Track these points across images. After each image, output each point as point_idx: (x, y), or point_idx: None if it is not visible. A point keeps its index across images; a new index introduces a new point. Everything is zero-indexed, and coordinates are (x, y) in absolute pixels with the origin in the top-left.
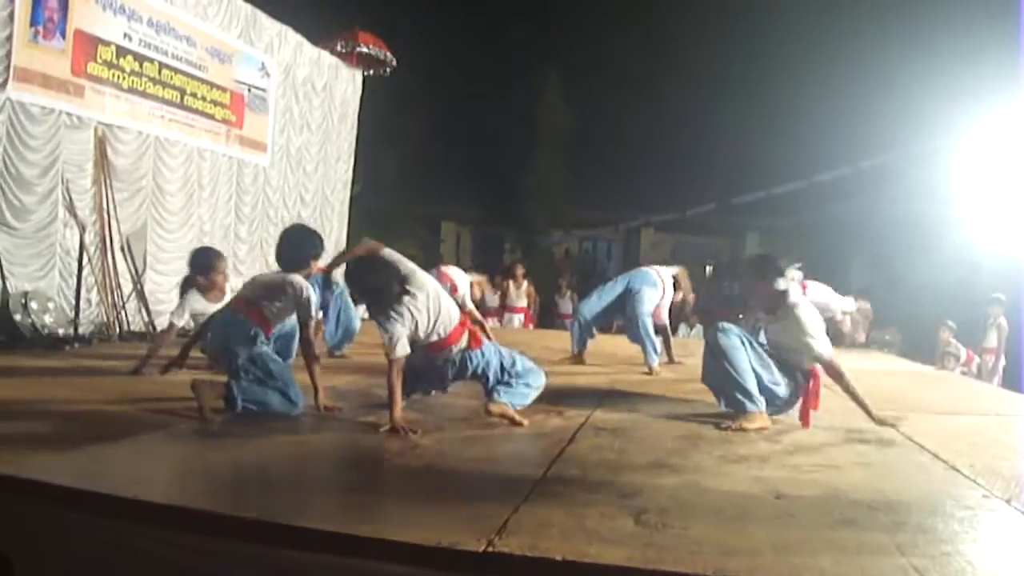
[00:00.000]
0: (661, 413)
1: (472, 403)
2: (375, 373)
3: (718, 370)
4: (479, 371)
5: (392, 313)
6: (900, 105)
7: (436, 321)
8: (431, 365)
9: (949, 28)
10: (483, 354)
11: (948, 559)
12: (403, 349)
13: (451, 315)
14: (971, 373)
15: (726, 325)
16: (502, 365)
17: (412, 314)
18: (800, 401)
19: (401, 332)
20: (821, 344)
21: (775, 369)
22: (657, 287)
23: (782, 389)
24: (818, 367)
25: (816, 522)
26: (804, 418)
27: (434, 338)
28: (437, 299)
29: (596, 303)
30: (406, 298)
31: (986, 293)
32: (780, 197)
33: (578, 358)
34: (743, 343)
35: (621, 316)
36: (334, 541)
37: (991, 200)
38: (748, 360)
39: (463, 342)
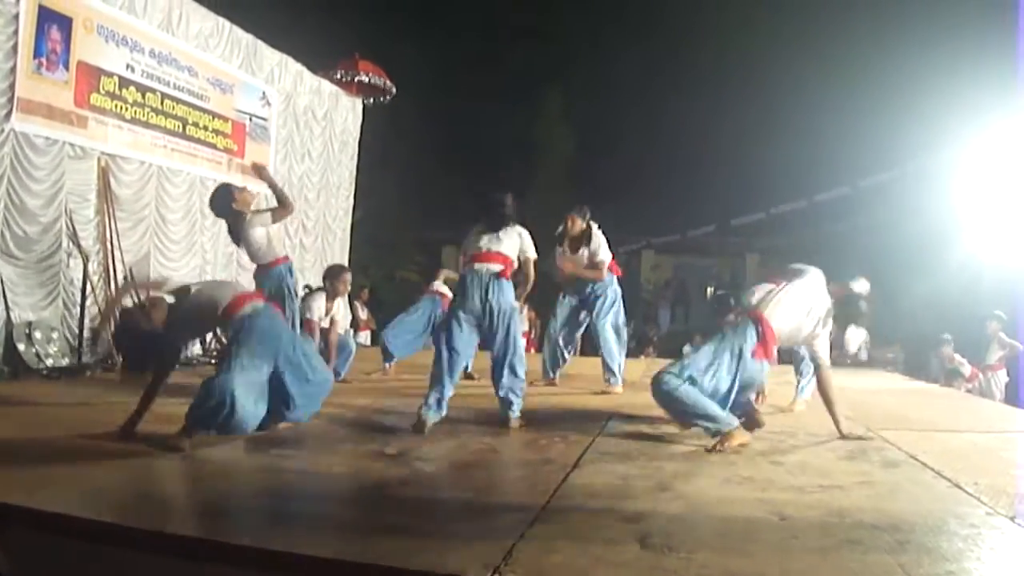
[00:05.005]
0: (664, 436)
1: (477, 427)
2: (377, 397)
3: (678, 413)
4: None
5: None
6: (898, 124)
7: None
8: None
9: (945, 44)
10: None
11: None
12: None
13: None
14: (976, 390)
15: (657, 376)
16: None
17: None
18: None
19: None
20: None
21: (723, 369)
22: None
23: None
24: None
25: (820, 544)
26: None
27: None
28: None
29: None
30: None
31: (989, 308)
32: (780, 217)
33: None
34: (681, 378)
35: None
36: (338, 570)
37: (992, 213)
38: (694, 391)
39: None
